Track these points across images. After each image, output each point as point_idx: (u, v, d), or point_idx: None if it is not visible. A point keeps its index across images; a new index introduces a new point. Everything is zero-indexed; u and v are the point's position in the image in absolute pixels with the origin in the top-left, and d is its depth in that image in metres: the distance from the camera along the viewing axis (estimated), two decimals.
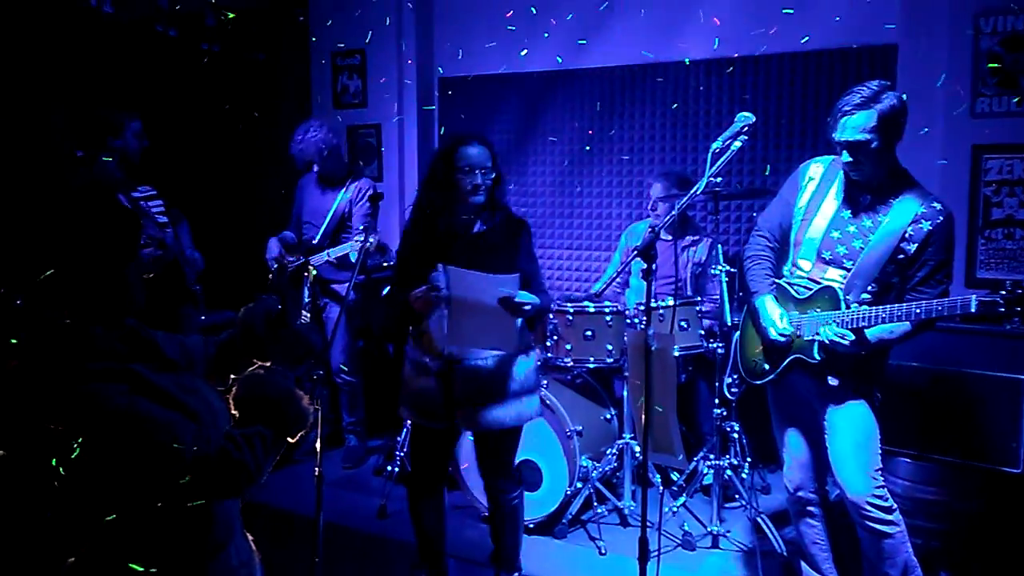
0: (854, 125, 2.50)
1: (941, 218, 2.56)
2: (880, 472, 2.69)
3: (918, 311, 2.46)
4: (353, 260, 4.23)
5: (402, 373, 3.04)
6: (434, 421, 2.94)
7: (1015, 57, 3.79)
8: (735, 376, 3.58)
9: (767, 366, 2.87)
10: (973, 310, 2.35)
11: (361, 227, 4.25)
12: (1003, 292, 2.32)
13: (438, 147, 2.92)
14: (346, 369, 4.56)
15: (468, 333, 2.77)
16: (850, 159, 2.56)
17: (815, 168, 2.82)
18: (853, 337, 2.55)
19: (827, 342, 2.60)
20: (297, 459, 4.51)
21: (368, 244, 3.07)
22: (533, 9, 4.93)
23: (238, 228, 4.68)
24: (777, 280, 2.88)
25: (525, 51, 5.12)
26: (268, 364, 1.75)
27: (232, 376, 1.81)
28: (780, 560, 3.42)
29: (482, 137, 2.91)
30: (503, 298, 2.69)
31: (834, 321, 2.59)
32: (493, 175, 2.85)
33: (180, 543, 1.60)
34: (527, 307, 2.73)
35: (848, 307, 2.60)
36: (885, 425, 2.75)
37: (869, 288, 2.63)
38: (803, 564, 3.07)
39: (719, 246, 3.79)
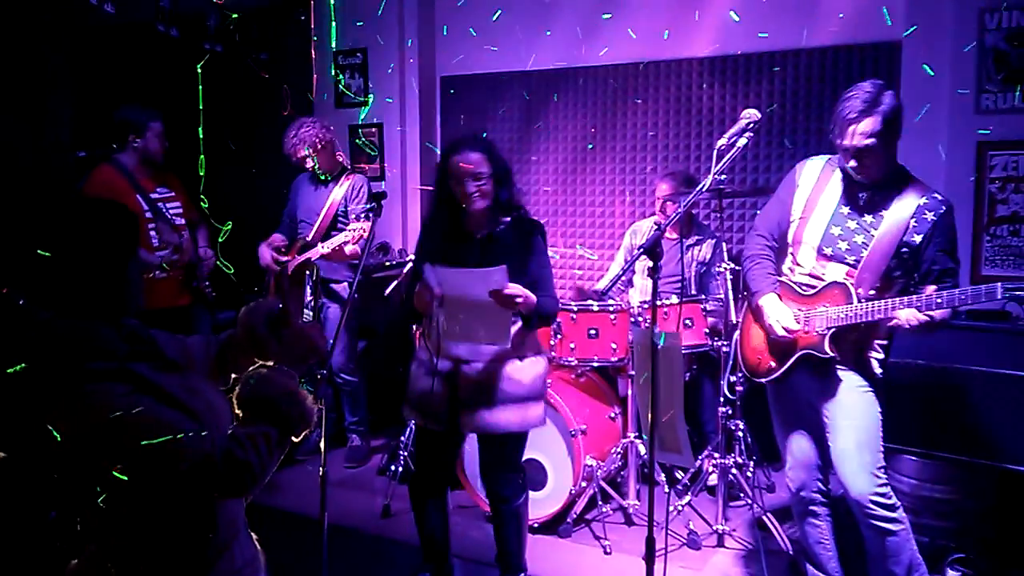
0: (861, 132, 2.51)
1: (944, 208, 2.58)
2: (883, 470, 2.67)
3: (939, 301, 2.45)
4: (348, 252, 4.21)
5: (408, 373, 3.03)
6: (435, 423, 2.92)
7: (1021, 53, 3.77)
8: (740, 375, 3.58)
9: (772, 364, 2.86)
10: (1000, 297, 2.34)
11: (355, 215, 4.22)
12: None
13: (440, 156, 2.91)
14: (347, 369, 4.54)
15: (462, 329, 2.78)
16: (855, 163, 2.57)
17: (811, 166, 2.82)
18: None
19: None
20: (300, 459, 4.50)
21: (369, 227, 3.03)
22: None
23: (241, 227, 4.68)
24: (779, 279, 2.86)
25: (527, 49, 5.12)
26: (271, 363, 1.74)
27: (234, 376, 1.80)
28: (786, 558, 3.40)
29: (477, 140, 2.85)
30: (493, 291, 2.67)
31: (848, 315, 2.59)
32: (490, 179, 2.80)
33: (184, 543, 1.59)
34: (518, 299, 2.69)
35: (860, 301, 2.59)
36: (892, 423, 2.74)
37: (876, 284, 2.62)
38: (807, 564, 3.06)
39: (723, 244, 3.77)
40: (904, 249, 2.59)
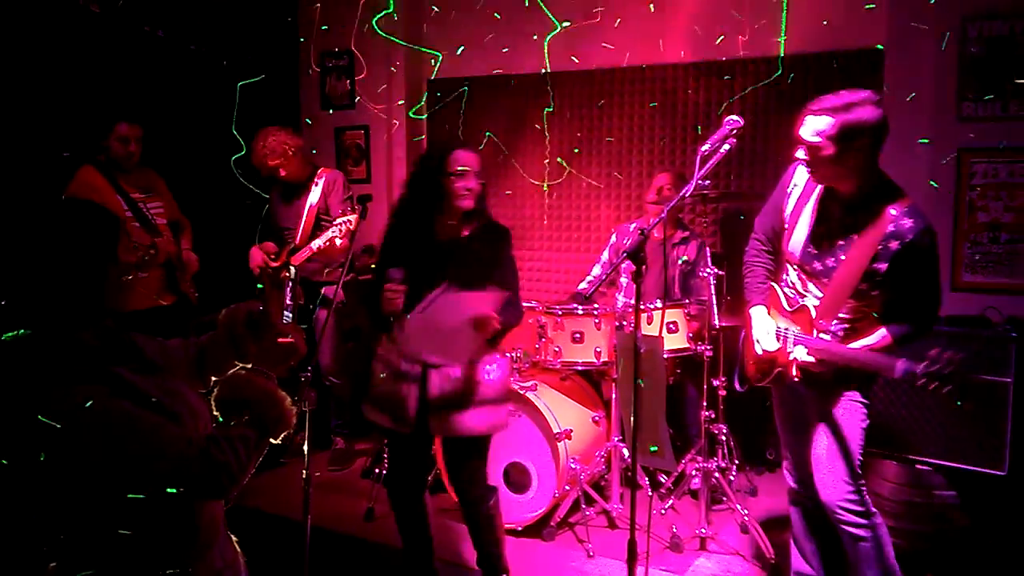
0: (812, 127, 2.46)
1: (911, 237, 2.41)
2: (856, 478, 2.64)
3: (851, 353, 2.50)
4: (340, 246, 4.19)
5: (371, 375, 3.03)
6: (402, 426, 2.91)
7: (1001, 62, 3.81)
8: (729, 377, 3.59)
9: (760, 375, 2.89)
10: (897, 375, 2.39)
11: (340, 211, 4.21)
12: (925, 363, 2.34)
13: (428, 153, 2.95)
14: (333, 371, 4.53)
15: (427, 342, 2.81)
16: (805, 157, 2.54)
17: (800, 174, 2.76)
18: (814, 361, 2.58)
19: (800, 362, 2.63)
20: (284, 461, 4.49)
21: (351, 224, 3.03)
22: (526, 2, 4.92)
23: (227, 230, 4.66)
24: (775, 284, 2.87)
25: (515, 53, 5.13)
26: (250, 365, 1.74)
27: (214, 378, 1.80)
28: (767, 563, 3.42)
29: (469, 144, 2.97)
30: (477, 317, 2.67)
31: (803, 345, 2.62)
32: (479, 183, 2.88)
33: (164, 545, 1.59)
34: (498, 328, 2.73)
35: (816, 332, 2.61)
36: (872, 428, 2.74)
37: (845, 308, 2.60)
38: (794, 549, 3.07)
39: (707, 248, 3.79)
40: (875, 276, 2.48)
